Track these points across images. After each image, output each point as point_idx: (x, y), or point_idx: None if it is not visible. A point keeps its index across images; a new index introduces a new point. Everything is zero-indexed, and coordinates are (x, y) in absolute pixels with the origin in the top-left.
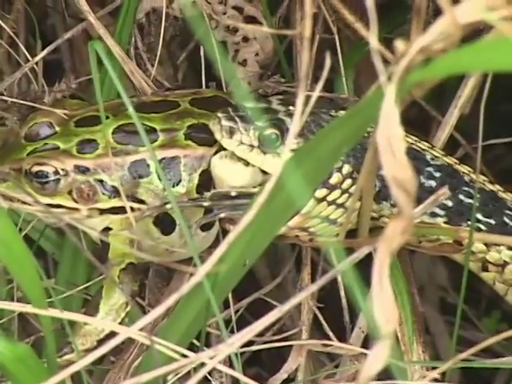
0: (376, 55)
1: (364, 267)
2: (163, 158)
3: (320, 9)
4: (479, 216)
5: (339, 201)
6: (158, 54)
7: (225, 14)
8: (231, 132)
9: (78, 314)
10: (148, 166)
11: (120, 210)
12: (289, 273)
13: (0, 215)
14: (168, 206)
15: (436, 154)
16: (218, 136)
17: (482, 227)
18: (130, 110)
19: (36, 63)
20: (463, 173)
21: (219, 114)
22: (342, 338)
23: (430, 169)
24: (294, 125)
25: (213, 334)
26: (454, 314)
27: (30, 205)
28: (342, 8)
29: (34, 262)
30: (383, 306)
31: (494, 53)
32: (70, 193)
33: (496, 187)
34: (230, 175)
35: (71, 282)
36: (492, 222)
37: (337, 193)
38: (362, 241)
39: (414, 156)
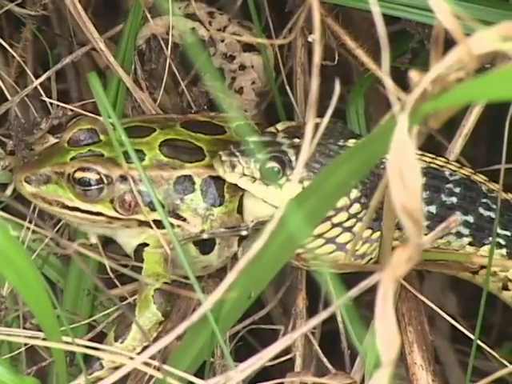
0: (388, 85)
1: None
2: (209, 177)
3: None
4: (497, 229)
5: (346, 224)
6: (164, 80)
7: (223, 41)
8: (233, 166)
9: (88, 342)
10: (194, 182)
11: (158, 225)
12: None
13: (13, 244)
14: (205, 236)
15: (453, 168)
16: (220, 172)
17: (501, 241)
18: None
19: (45, 92)
20: (480, 183)
21: (220, 152)
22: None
23: (449, 185)
24: (302, 154)
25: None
26: (464, 342)
27: (68, 209)
28: (344, 34)
29: (47, 291)
30: (386, 333)
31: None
32: (111, 201)
33: (509, 195)
34: (262, 211)
35: (75, 309)
36: (508, 234)
37: (343, 216)
38: (365, 267)
39: (433, 175)
